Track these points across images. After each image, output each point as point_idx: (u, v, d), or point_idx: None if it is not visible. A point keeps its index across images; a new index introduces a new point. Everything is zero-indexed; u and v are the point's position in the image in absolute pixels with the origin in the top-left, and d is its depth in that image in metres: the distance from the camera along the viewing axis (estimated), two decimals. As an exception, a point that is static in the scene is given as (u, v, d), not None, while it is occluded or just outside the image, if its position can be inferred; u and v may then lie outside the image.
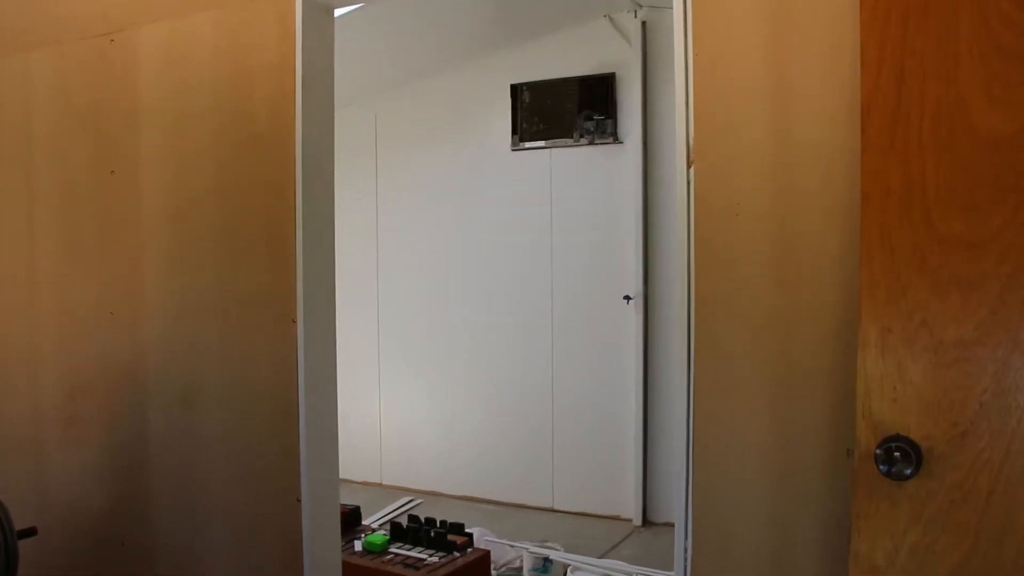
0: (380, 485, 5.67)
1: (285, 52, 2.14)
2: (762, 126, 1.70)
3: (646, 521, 4.84)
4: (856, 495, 1.41)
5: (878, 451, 1.38)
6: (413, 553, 3.36)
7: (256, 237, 2.23)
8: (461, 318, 5.39)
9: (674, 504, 1.93)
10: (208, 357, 2.31)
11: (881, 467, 1.38)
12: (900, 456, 1.36)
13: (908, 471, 1.36)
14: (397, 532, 3.53)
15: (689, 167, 1.81)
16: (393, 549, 3.39)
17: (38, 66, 2.59)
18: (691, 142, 1.79)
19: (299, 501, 2.16)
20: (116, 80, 2.44)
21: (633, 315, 4.85)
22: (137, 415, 2.43)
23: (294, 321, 2.14)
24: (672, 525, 1.96)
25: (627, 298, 4.84)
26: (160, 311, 2.39)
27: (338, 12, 4.15)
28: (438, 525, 3.56)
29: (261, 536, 2.24)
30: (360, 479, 5.69)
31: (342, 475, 5.41)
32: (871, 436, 1.40)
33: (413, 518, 3.65)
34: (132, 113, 2.41)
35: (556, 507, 5.11)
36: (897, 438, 1.38)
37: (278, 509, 2.19)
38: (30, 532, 2.26)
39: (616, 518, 4.91)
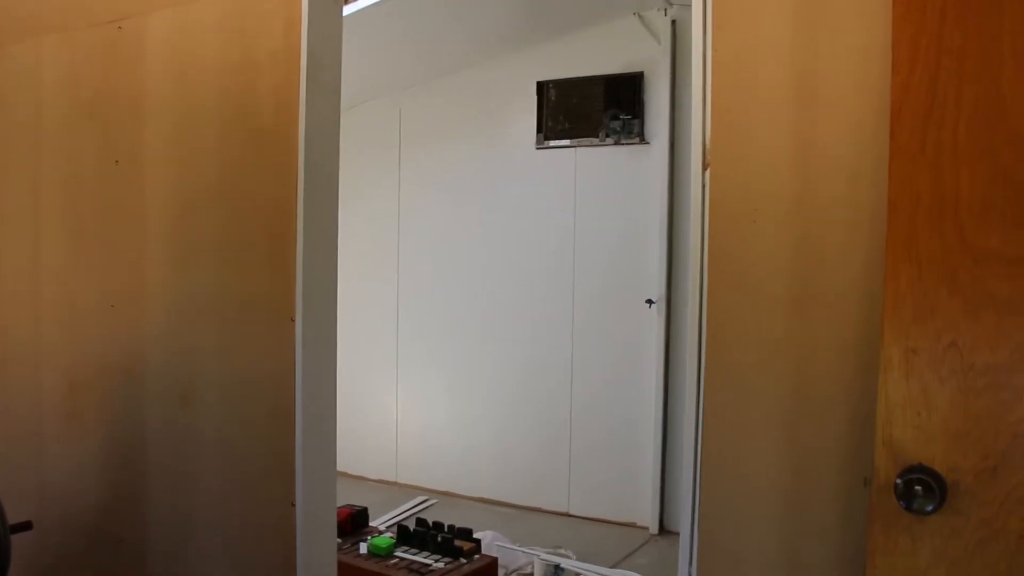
0: (395, 484, 5.62)
1: (291, 41, 2.06)
2: (783, 128, 1.60)
3: (663, 529, 4.75)
4: (872, 528, 1.31)
5: (898, 482, 1.28)
6: (419, 558, 3.29)
7: (257, 233, 2.16)
8: (481, 316, 5.32)
9: (680, 524, 1.84)
10: (206, 354, 2.25)
11: (901, 501, 1.27)
12: (922, 489, 1.26)
13: (930, 506, 1.26)
14: (404, 535, 3.46)
15: (705, 169, 1.71)
16: (398, 553, 3.33)
17: (48, 53, 2.54)
18: (707, 143, 1.69)
19: (293, 506, 2.09)
20: (123, 68, 2.38)
21: (655, 319, 4.74)
22: (135, 412, 2.37)
23: (292, 320, 2.07)
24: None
25: (649, 302, 4.74)
26: (161, 306, 2.33)
27: (363, 4, 4.13)
28: (446, 530, 3.49)
29: (254, 540, 2.18)
30: (375, 476, 5.65)
31: (357, 472, 5.49)
32: (891, 465, 1.30)
33: (421, 521, 3.59)
34: (138, 103, 2.35)
35: (572, 512, 5.03)
36: (920, 469, 1.27)
37: (272, 513, 2.12)
38: (25, 526, 2.22)
39: (632, 525, 4.82)
